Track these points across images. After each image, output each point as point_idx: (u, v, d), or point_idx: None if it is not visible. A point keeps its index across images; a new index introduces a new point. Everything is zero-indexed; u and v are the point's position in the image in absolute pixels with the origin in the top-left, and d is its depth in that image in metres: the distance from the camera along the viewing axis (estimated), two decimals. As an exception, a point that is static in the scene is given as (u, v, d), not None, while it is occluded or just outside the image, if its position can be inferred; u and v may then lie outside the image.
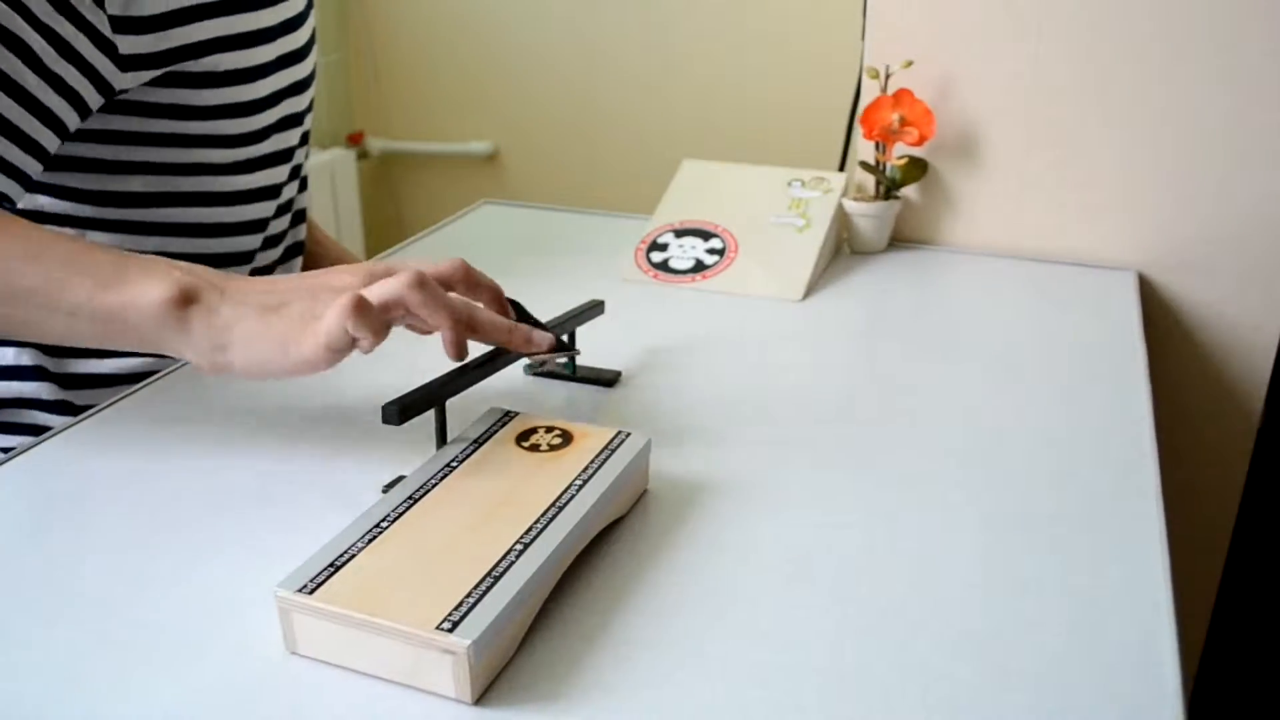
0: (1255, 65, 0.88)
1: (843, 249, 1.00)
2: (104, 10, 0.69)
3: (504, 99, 2.19)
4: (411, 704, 0.44)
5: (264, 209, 0.87)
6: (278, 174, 0.87)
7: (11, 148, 0.67)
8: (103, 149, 0.77)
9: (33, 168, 0.69)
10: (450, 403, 0.60)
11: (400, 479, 0.56)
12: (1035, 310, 0.86)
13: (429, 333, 0.60)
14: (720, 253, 0.93)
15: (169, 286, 0.58)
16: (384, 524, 0.50)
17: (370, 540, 0.49)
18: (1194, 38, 0.89)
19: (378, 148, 2.34)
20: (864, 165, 0.99)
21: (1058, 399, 0.71)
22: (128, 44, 0.71)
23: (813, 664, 0.47)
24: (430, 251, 0.96)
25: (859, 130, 0.96)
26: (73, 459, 0.64)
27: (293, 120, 0.87)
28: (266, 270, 0.92)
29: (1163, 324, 0.98)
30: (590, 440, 0.58)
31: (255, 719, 0.44)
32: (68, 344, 0.63)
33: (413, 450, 0.64)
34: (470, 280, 0.62)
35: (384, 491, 0.57)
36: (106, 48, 0.70)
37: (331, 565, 0.47)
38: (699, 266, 0.92)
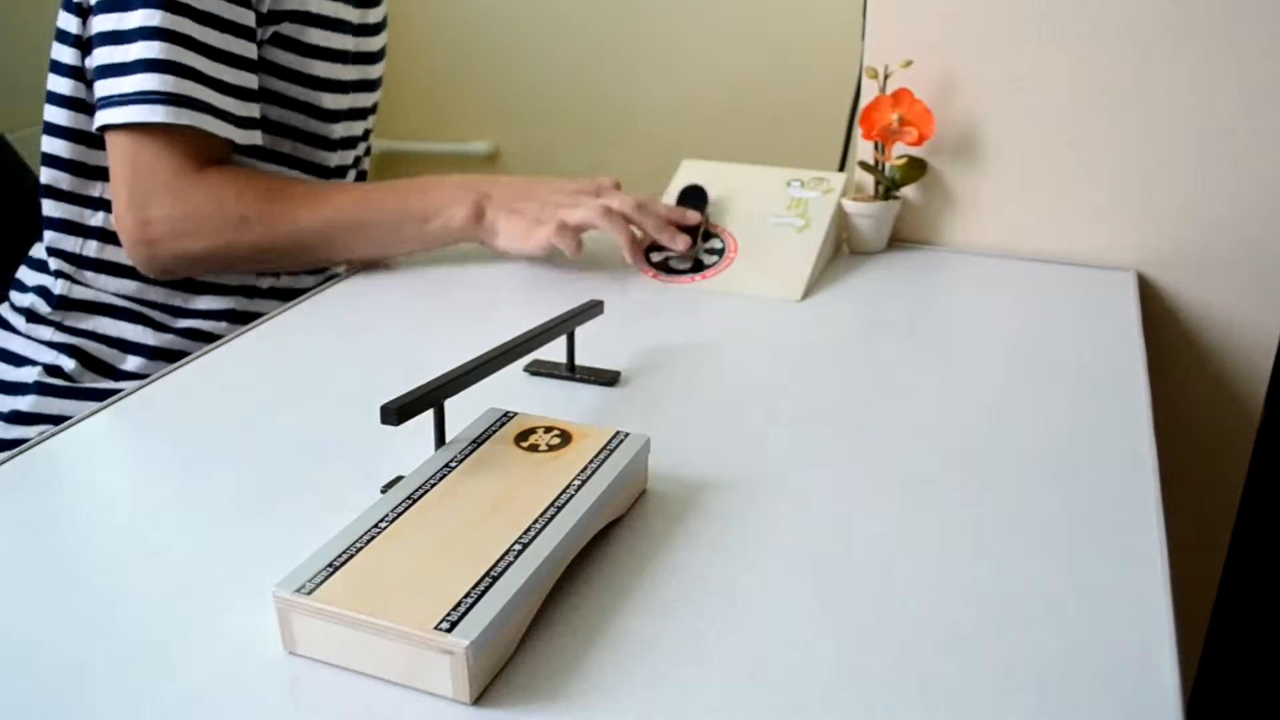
0: (1255, 65, 0.88)
1: (842, 249, 1.00)
2: None
3: (504, 99, 2.19)
4: (410, 704, 0.44)
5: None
6: (345, 157, 1.04)
7: (241, 104, 0.89)
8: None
9: (257, 111, 0.91)
10: (449, 403, 0.60)
11: (399, 479, 0.56)
12: (1035, 310, 0.86)
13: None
14: (720, 253, 0.93)
15: (469, 208, 0.89)
16: (383, 524, 0.50)
17: (369, 540, 0.49)
18: (1194, 38, 0.89)
19: (378, 147, 2.34)
20: (863, 165, 0.99)
21: (1058, 399, 0.71)
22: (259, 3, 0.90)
23: (813, 664, 0.46)
24: (430, 251, 0.96)
25: (858, 130, 0.96)
26: (73, 459, 0.64)
27: (359, 113, 1.04)
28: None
29: (1163, 324, 0.98)
30: (589, 440, 0.58)
31: (254, 719, 0.44)
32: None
33: (411, 451, 0.64)
34: (641, 209, 0.90)
35: (383, 492, 0.57)
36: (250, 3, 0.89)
37: (330, 565, 0.47)
38: (698, 266, 0.92)
